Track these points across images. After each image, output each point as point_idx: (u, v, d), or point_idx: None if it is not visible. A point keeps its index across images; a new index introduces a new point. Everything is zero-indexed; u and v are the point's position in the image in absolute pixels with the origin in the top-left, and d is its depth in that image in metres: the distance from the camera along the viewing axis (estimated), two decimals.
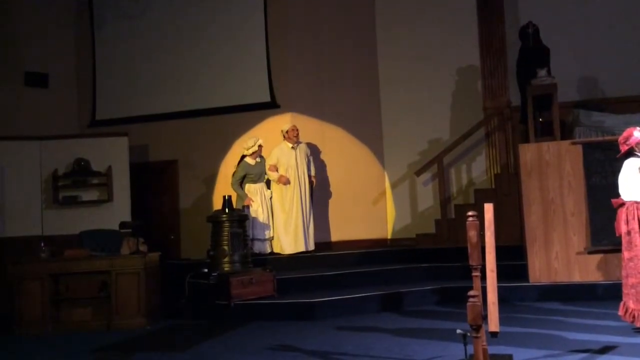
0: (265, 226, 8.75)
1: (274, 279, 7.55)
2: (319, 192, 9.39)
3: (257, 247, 8.69)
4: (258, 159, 8.88)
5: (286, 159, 8.89)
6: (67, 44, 10.49)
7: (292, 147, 8.91)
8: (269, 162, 8.90)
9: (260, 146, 8.84)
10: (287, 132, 8.94)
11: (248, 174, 8.82)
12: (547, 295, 7.23)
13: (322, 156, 9.58)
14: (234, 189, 8.79)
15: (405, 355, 5.07)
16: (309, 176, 9.02)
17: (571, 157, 7.32)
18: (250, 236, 8.51)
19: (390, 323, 6.47)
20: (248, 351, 5.59)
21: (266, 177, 8.96)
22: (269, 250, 8.82)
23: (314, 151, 9.35)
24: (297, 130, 8.96)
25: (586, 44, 9.28)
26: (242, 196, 8.75)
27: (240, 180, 8.82)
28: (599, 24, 9.27)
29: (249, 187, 8.82)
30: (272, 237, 8.84)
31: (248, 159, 8.86)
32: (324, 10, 9.84)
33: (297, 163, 8.89)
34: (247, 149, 8.82)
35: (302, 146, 9.07)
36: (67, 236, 8.59)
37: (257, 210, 8.74)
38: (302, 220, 8.81)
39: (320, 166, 9.38)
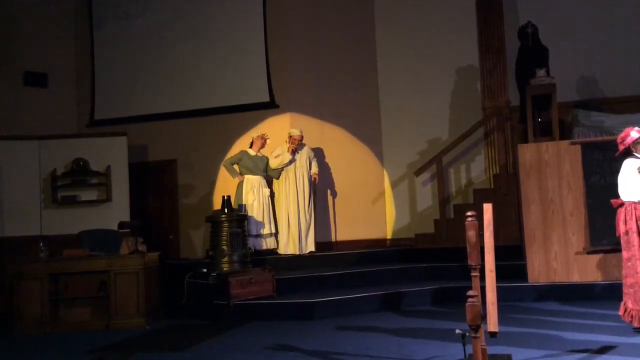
0: (260, 223, 8.74)
1: (273, 278, 7.54)
2: (319, 192, 9.39)
3: (251, 243, 8.63)
4: (259, 153, 8.90)
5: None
6: (66, 44, 10.49)
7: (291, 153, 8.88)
8: (273, 154, 8.90)
9: (263, 139, 8.89)
10: (290, 137, 8.90)
11: (243, 162, 8.84)
12: (546, 295, 7.24)
13: (322, 156, 9.58)
14: (224, 166, 8.93)
15: (404, 355, 5.07)
16: (310, 176, 8.99)
17: (570, 157, 7.33)
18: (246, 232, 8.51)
19: (390, 323, 6.47)
20: (247, 351, 5.58)
21: (265, 175, 8.96)
22: (263, 247, 8.81)
23: (313, 152, 9.32)
24: (301, 139, 8.86)
25: (585, 44, 9.29)
26: (232, 173, 8.83)
27: (233, 163, 8.88)
28: (598, 24, 9.29)
29: (247, 178, 8.83)
30: (269, 233, 8.82)
31: (249, 150, 8.91)
32: (323, 10, 9.84)
33: (295, 167, 8.88)
34: (255, 135, 8.99)
35: (305, 149, 9.01)
36: (66, 236, 8.59)
37: (253, 205, 8.73)
38: (298, 226, 8.79)
39: (320, 166, 9.36)
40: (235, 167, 8.90)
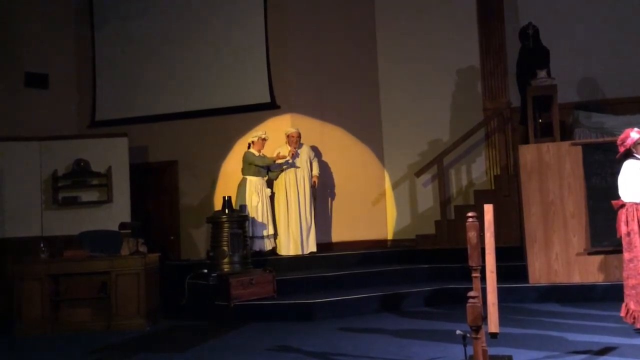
0: (264, 224, 8.74)
1: (273, 279, 7.54)
2: (319, 193, 9.39)
3: (257, 245, 8.67)
4: (261, 154, 8.90)
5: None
6: (67, 45, 10.49)
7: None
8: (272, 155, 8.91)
9: (263, 139, 8.86)
10: (287, 137, 8.90)
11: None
12: (546, 297, 7.24)
13: (322, 157, 9.58)
14: (259, 163, 8.68)
15: (405, 356, 5.07)
16: (311, 177, 9.00)
17: (571, 158, 7.33)
18: (250, 234, 8.50)
19: (390, 324, 6.47)
20: (248, 352, 5.59)
21: (266, 177, 8.94)
22: (268, 248, 8.81)
23: (314, 152, 9.33)
24: (298, 136, 8.89)
25: (586, 44, 9.28)
26: (269, 160, 8.71)
27: (262, 160, 8.73)
28: (599, 25, 9.28)
29: (250, 180, 8.77)
30: (272, 234, 8.82)
31: (252, 150, 8.89)
32: (324, 11, 9.84)
33: (296, 167, 8.88)
34: (253, 137, 8.88)
35: (304, 149, 9.02)
36: (67, 237, 8.59)
37: (257, 207, 8.73)
38: (299, 225, 8.79)
39: (321, 167, 9.36)
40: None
